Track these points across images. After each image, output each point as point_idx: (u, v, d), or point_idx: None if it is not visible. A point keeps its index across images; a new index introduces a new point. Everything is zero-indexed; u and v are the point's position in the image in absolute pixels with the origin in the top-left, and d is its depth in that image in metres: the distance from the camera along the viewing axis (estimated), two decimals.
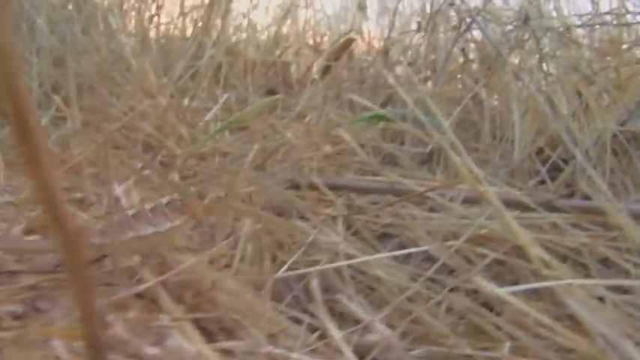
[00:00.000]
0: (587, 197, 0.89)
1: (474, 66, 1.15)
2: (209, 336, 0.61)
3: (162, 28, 1.39)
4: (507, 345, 0.55)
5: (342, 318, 0.65)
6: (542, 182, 0.95)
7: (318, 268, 0.70)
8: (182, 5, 1.42)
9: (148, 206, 0.64)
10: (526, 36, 1.06)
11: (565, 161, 0.96)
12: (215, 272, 0.67)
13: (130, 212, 0.64)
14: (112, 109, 1.05)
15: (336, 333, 0.59)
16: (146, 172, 0.86)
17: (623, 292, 0.65)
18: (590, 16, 1.08)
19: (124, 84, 1.09)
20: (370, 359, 0.57)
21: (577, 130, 0.96)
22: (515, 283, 0.69)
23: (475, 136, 1.04)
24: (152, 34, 1.31)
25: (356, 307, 0.64)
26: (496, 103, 1.05)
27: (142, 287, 0.61)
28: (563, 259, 0.70)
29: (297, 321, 0.64)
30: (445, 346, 0.62)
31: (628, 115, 0.94)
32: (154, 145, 1.00)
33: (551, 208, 0.73)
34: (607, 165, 0.91)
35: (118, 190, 0.78)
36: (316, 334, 0.61)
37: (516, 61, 1.10)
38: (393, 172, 0.98)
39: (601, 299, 0.63)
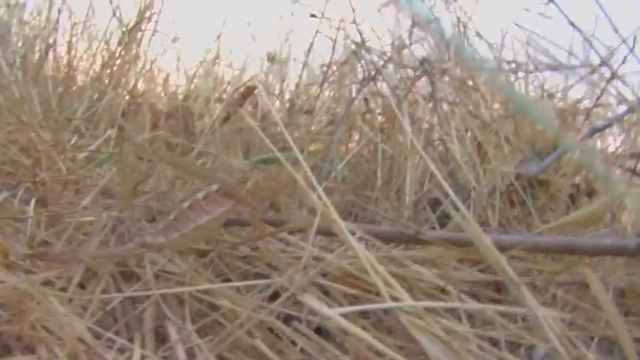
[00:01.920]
0: None
1: (376, 116, 1.12)
2: (5, 351, 0.54)
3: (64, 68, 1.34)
4: None
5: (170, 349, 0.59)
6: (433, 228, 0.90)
7: (154, 292, 0.63)
8: (91, 48, 1.38)
9: (200, 195, 0.67)
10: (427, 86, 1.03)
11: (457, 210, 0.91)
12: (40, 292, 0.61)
13: (186, 204, 0.66)
14: None
15: (137, 354, 0.52)
16: None
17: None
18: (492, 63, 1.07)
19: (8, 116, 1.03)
20: None
21: (472, 177, 0.92)
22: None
23: (370, 184, 1.00)
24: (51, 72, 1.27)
25: (175, 331, 0.57)
26: (391, 150, 1.01)
27: None
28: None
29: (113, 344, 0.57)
30: None
31: (521, 161, 0.90)
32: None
33: (418, 240, 0.68)
34: (496, 211, 0.86)
35: None
36: (126, 354, 0.54)
37: (417, 108, 1.07)
38: None
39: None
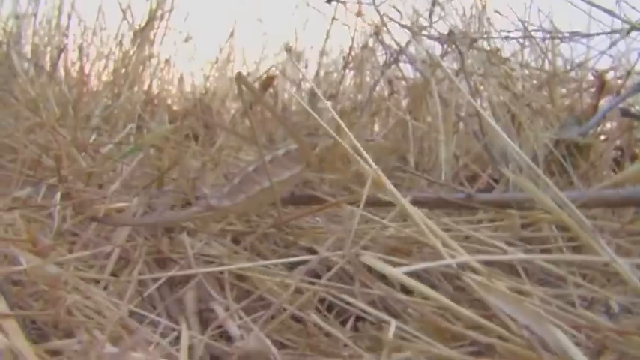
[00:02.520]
0: None
1: (401, 98, 1.09)
2: (42, 336, 0.51)
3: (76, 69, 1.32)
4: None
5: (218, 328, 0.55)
6: None
7: (196, 270, 0.60)
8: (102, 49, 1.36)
9: (268, 158, 0.65)
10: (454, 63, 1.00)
11: (496, 181, 0.88)
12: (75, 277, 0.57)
13: (251, 168, 0.65)
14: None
15: (185, 334, 0.49)
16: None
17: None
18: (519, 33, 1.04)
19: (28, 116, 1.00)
20: None
21: (509, 148, 0.88)
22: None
23: (402, 163, 0.96)
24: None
25: (222, 310, 0.54)
26: (424, 127, 0.97)
27: None
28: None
29: (157, 325, 0.54)
30: (339, 356, 0.51)
31: (561, 127, 0.86)
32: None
33: (469, 204, 0.64)
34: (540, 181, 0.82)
35: None
36: (170, 337, 0.51)
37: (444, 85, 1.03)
38: None
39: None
